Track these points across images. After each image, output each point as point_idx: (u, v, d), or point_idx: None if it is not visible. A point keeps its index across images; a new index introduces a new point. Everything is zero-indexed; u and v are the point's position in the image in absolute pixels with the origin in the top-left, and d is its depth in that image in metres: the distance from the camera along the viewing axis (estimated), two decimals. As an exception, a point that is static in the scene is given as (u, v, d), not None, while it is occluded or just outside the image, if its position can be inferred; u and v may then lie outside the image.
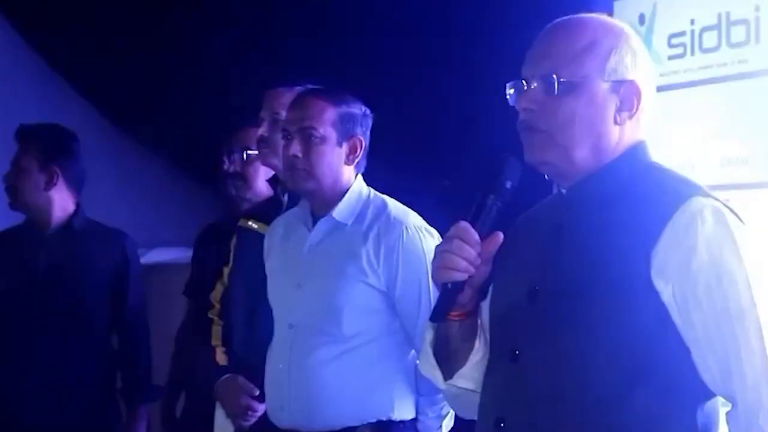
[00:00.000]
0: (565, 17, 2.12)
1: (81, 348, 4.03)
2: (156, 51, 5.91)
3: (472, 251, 2.03)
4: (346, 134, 3.07)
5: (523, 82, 2.09)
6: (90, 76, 6.17)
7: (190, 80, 5.93)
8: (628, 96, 2.07)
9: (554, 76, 2.04)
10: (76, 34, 5.92)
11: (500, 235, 2.05)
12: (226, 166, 4.08)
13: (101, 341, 4.10)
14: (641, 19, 3.34)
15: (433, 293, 2.93)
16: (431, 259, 2.79)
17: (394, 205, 3.11)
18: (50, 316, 4.00)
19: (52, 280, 4.01)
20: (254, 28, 5.67)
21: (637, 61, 2.09)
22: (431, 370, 2.21)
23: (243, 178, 3.96)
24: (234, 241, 3.56)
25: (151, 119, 6.21)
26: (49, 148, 4.07)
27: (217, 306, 3.55)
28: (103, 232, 4.16)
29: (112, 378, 4.17)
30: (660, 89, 3.13)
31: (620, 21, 3.20)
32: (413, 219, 3.08)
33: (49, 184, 4.06)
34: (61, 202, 4.10)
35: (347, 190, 3.09)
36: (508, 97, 2.11)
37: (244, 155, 3.94)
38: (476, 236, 2.04)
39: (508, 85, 2.11)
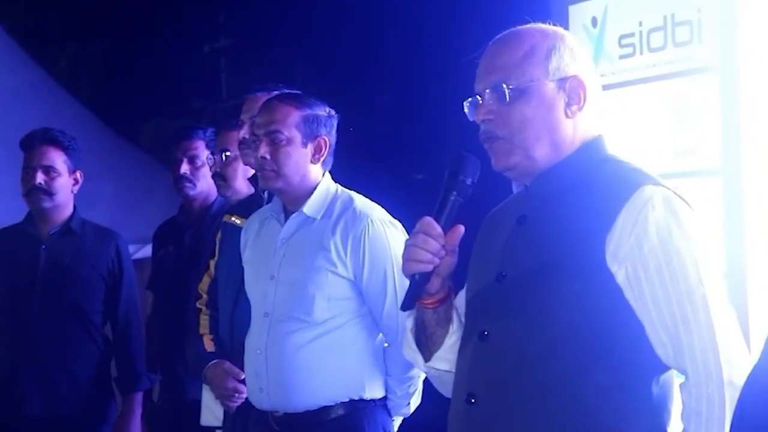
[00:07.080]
0: (503, 32, 2.14)
1: (80, 341, 4.02)
2: (151, 54, 5.82)
3: (435, 244, 2.05)
4: (310, 135, 3.04)
5: (478, 97, 2.11)
6: (83, 79, 6.07)
7: (181, 85, 5.83)
8: (574, 90, 2.09)
9: (504, 85, 2.06)
10: (68, 35, 5.82)
11: (461, 228, 2.08)
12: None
13: (98, 334, 4.11)
14: (593, 21, 3.31)
15: (398, 280, 2.87)
16: (396, 250, 2.74)
17: (360, 200, 3.10)
18: (52, 311, 3.98)
19: (53, 278, 3.98)
20: (240, 36, 5.60)
21: (576, 57, 2.11)
22: (413, 354, 2.23)
23: (223, 177, 3.86)
24: (219, 235, 3.53)
25: (146, 121, 6.10)
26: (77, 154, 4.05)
27: (205, 296, 3.49)
28: (97, 231, 4.12)
29: (108, 368, 4.14)
30: (613, 86, 3.14)
31: (575, 24, 3.19)
32: (378, 212, 3.06)
33: (75, 186, 4.05)
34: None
35: (315, 186, 3.07)
36: (466, 111, 2.12)
37: (223, 156, 3.83)
38: (439, 229, 2.06)
39: (465, 103, 2.13)
